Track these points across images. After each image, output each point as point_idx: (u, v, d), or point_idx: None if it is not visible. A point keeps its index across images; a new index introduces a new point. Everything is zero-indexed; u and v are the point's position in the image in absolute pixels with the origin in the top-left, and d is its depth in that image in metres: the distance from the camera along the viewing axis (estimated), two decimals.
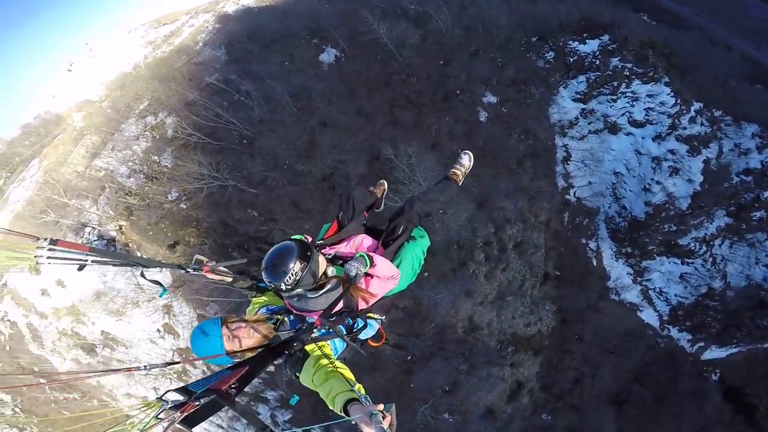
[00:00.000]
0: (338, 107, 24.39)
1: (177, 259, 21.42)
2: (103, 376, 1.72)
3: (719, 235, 30.43)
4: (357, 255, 2.92)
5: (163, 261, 3.12)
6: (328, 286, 2.77)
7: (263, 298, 3.26)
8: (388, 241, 3.49)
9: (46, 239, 2.51)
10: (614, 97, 32.45)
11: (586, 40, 33.15)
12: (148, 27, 40.73)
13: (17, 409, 24.16)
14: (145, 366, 2.20)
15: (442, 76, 29.10)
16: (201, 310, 21.10)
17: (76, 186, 24.30)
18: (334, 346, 2.84)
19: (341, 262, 3.09)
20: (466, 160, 4.41)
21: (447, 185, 4.17)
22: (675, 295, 30.67)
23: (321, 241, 3.45)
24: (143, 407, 1.87)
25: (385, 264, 3.01)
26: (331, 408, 2.38)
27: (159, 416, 1.83)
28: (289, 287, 2.59)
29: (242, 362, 2.39)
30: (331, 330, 2.73)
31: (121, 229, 23.23)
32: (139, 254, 22.99)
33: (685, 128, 31.87)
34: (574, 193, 32.39)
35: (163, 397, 1.94)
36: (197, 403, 1.92)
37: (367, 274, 2.91)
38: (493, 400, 23.20)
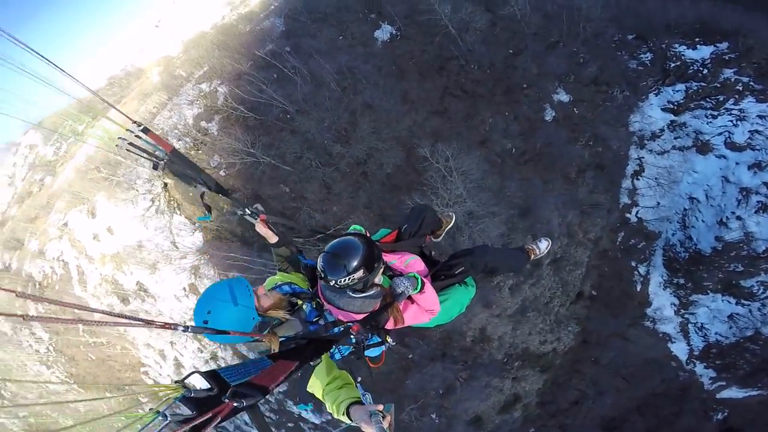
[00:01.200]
0: (384, 90, 23.60)
1: (214, 225, 22.92)
2: (141, 326, 1.48)
3: None
4: (411, 274, 2.82)
5: (230, 194, 3.08)
6: (370, 292, 2.63)
7: (292, 276, 3.14)
8: (441, 275, 3.33)
9: (139, 126, 2.52)
10: (715, 113, 28.04)
11: (698, 46, 28.50)
12: None
13: (51, 348, 27.94)
14: (184, 327, 1.77)
15: (508, 66, 26.83)
16: (224, 276, 22.52)
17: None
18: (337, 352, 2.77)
19: (390, 273, 2.98)
20: (545, 246, 4.12)
21: (521, 256, 3.96)
22: (715, 333, 27.95)
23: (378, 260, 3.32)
24: (160, 391, 1.58)
25: (433, 295, 2.88)
26: (331, 412, 2.32)
27: (170, 414, 1.45)
28: (337, 285, 2.47)
29: (288, 354, 2.16)
30: (361, 338, 2.67)
31: (166, 186, 25.13)
32: (177, 215, 24.92)
33: None
34: (637, 213, 29.47)
35: (186, 383, 1.59)
36: (236, 404, 1.53)
37: (409, 298, 2.79)
38: (485, 408, 23.14)
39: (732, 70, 27.73)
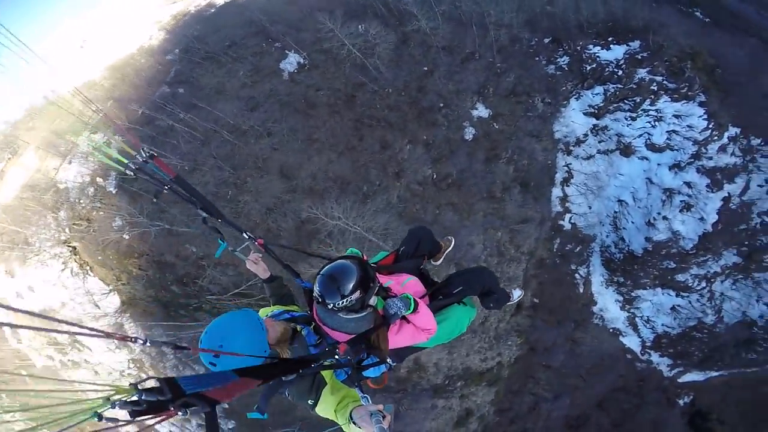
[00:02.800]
0: (288, 132, 22.06)
1: (127, 288, 21.27)
2: (100, 337, 1.51)
3: (723, 273, 27.21)
4: (404, 296, 2.82)
5: (229, 219, 3.11)
6: (363, 314, 2.63)
7: (287, 306, 3.14)
8: (438, 295, 3.37)
9: (146, 152, 2.55)
10: (634, 115, 28.05)
11: (611, 45, 28.24)
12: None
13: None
14: (144, 340, 1.80)
15: (423, 86, 25.82)
16: (148, 331, 21.14)
17: (41, 199, 24.27)
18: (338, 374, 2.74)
19: (384, 294, 2.93)
20: (517, 295, 4.55)
21: (505, 294, 4.16)
22: (662, 325, 28.55)
23: (373, 265, 3.29)
24: (113, 390, 1.52)
25: (427, 315, 2.87)
26: (344, 428, 2.34)
27: (114, 405, 1.43)
28: (335, 307, 2.50)
29: (252, 372, 1.98)
30: (348, 359, 2.60)
31: (75, 249, 23.20)
32: (91, 276, 23.09)
33: (710, 158, 27.37)
34: (570, 219, 29.47)
35: (140, 386, 1.59)
36: (180, 412, 1.53)
37: (404, 318, 2.80)
38: (438, 426, 22.88)
39: (646, 70, 27.64)
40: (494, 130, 26.44)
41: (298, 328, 2.77)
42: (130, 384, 1.55)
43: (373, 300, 2.71)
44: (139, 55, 30.08)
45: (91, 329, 1.55)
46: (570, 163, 28.64)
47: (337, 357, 2.54)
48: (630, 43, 27.95)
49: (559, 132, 28.46)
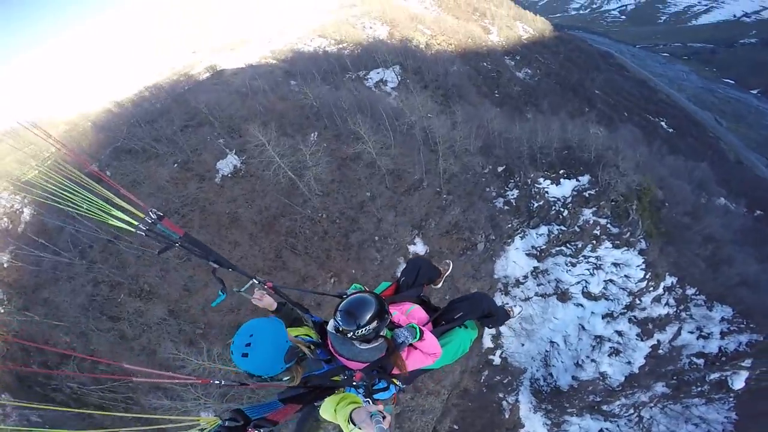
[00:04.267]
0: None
1: None
2: (176, 380, 2.10)
3: (651, 401, 27.61)
4: (409, 325, 2.99)
5: (240, 269, 3.18)
6: (375, 344, 2.77)
7: (301, 329, 3.21)
8: (441, 320, 3.51)
9: (155, 213, 2.62)
10: (575, 261, 27.26)
11: (561, 180, 27.04)
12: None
13: None
14: (218, 381, 2.68)
15: (361, 214, 23.38)
16: None
17: None
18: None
19: (391, 326, 3.02)
20: (517, 311, 4.54)
21: (504, 314, 4.15)
22: None
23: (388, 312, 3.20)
24: (201, 422, 2.07)
25: (432, 341, 3.04)
26: (343, 428, 2.37)
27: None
28: (353, 336, 2.64)
29: (295, 398, 2.74)
30: (364, 383, 2.83)
31: None
32: None
33: (644, 309, 27.36)
34: (501, 354, 28.40)
35: (222, 416, 2.21)
36: (256, 431, 2.21)
37: (411, 345, 2.96)
38: None
39: (591, 210, 26.74)
40: None
41: (312, 347, 2.97)
42: (216, 416, 2.28)
43: (383, 331, 2.82)
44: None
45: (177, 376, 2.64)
46: (507, 303, 27.45)
47: (354, 384, 2.85)
48: (580, 178, 26.98)
49: (500, 272, 27.24)
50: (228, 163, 23.20)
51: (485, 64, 49.75)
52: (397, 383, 3.16)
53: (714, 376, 27.18)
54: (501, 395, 28.63)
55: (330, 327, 2.78)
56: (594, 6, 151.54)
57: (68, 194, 2.28)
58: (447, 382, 26.18)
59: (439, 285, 4.27)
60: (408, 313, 3.35)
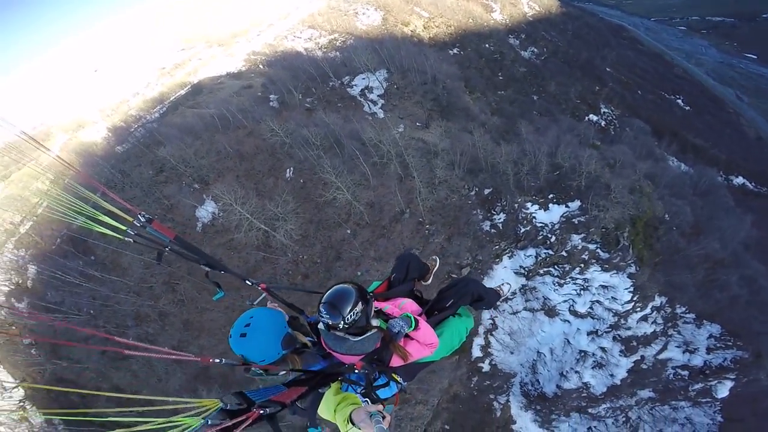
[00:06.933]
0: (177, 303, 20.74)
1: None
2: (176, 357, 2.09)
3: (637, 405, 28.98)
4: (404, 315, 3.01)
5: (232, 270, 3.33)
6: (369, 334, 2.80)
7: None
8: (433, 311, 3.56)
9: (143, 217, 2.58)
10: (562, 281, 27.56)
11: (549, 205, 26.84)
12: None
13: None
14: (219, 360, 2.44)
15: (340, 253, 24.34)
16: None
17: None
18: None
19: (385, 317, 3.11)
20: (507, 289, 4.81)
21: (495, 292, 4.47)
22: None
23: (370, 294, 3.42)
24: (200, 405, 1.94)
25: (428, 330, 3.07)
26: (340, 425, 2.49)
27: (210, 418, 1.88)
28: (342, 326, 2.66)
29: (300, 381, 2.65)
30: (365, 373, 2.91)
31: None
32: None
33: (629, 328, 27.90)
34: (491, 362, 29.80)
35: (224, 399, 2.02)
36: (261, 411, 2.02)
37: (407, 336, 2.98)
38: None
39: (580, 236, 26.73)
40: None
41: (309, 345, 3.11)
42: (217, 398, 1.97)
43: (376, 321, 2.90)
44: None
45: (181, 354, 2.10)
46: (496, 316, 28.72)
47: (356, 371, 2.89)
48: (569, 204, 26.70)
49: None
50: (206, 212, 24.28)
51: (488, 45, 46.96)
52: (398, 379, 3.23)
53: (698, 386, 27.90)
54: (492, 396, 30.32)
55: (320, 325, 2.78)
56: None
57: (54, 200, 2.27)
58: (437, 390, 27.83)
59: (429, 281, 4.35)
60: (401, 306, 3.36)
